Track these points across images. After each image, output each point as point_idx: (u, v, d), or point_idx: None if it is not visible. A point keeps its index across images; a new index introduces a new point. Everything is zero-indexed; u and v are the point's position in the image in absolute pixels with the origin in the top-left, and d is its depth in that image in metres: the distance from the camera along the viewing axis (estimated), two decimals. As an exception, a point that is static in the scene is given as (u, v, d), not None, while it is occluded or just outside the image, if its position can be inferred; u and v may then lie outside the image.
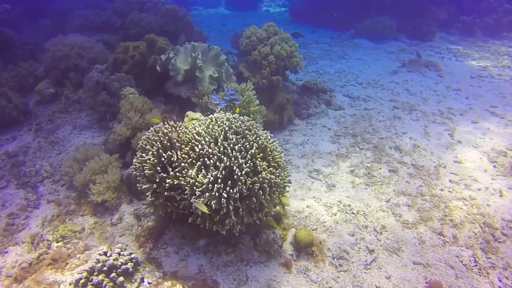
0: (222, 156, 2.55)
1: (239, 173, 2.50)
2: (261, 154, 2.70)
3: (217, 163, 2.54)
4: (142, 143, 2.72)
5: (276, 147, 2.89)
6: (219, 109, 3.39)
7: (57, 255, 3.00)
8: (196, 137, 2.69)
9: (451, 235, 3.46)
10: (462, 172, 4.38)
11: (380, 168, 4.52)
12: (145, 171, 2.62)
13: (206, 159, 2.58)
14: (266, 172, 2.66)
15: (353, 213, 3.79)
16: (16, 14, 11.81)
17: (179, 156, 2.66)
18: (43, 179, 4.22)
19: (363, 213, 3.78)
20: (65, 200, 3.87)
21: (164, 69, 4.88)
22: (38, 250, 3.20)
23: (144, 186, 2.68)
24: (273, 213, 3.48)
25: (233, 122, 2.78)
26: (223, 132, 2.66)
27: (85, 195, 3.76)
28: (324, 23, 11.95)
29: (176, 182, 2.63)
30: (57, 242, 3.22)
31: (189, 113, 3.43)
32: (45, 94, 5.81)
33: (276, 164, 2.77)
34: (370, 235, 3.49)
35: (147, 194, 2.68)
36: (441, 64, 8.03)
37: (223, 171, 2.53)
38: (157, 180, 2.62)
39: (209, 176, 2.52)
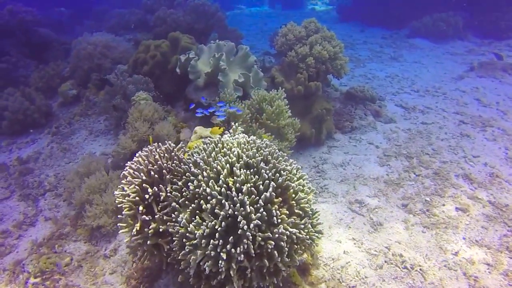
0: (224, 201, 1.81)
1: (245, 227, 1.75)
2: (280, 199, 1.92)
3: (216, 210, 1.81)
4: (125, 171, 2.08)
5: (304, 186, 2.08)
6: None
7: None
8: (192, 169, 1.98)
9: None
10: None
11: (444, 204, 3.48)
12: (124, 211, 1.97)
13: (202, 201, 1.87)
14: (286, 223, 1.88)
15: (406, 267, 2.84)
16: (67, 16, 12.23)
17: (168, 193, 1.98)
18: (45, 192, 3.82)
19: (420, 269, 2.81)
20: (62, 220, 3.41)
21: (184, 71, 4.28)
22: (16, 284, 2.73)
23: (122, 231, 2.03)
24: (297, 263, 2.67)
25: (244, 150, 2.03)
26: (228, 165, 1.93)
27: (82, 216, 3.26)
28: (375, 21, 10.73)
29: (162, 228, 1.95)
30: (35, 278, 2.71)
31: (198, 128, 2.75)
32: (68, 95, 5.54)
33: (301, 212, 1.97)
34: (431, 305, 2.54)
35: (125, 241, 2.03)
36: (522, 69, 6.56)
37: (224, 221, 1.79)
38: (138, 224, 1.96)
39: (204, 226, 1.80)
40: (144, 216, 1.93)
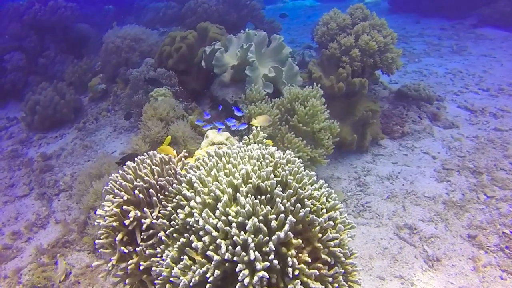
0: (220, 240, 1.30)
1: (247, 280, 1.22)
2: (300, 241, 1.36)
3: (209, 251, 1.31)
4: (107, 186, 1.65)
5: (336, 220, 1.50)
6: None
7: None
8: (185, 190, 1.49)
9: None
10: None
11: (529, 239, 2.66)
12: (99, 239, 1.55)
13: (193, 237, 1.38)
14: (306, 276, 1.32)
15: (475, 325, 2.14)
16: (113, 12, 12.55)
17: (155, 220, 1.52)
18: (59, 192, 3.62)
19: (497, 331, 2.09)
20: (70, 224, 3.15)
21: (210, 65, 3.84)
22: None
23: (95, 263, 1.61)
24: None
25: (256, 168, 1.50)
26: (230, 188, 1.41)
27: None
28: (433, 10, 9.47)
29: (144, 264, 1.50)
30: (26, 294, 2.45)
31: (211, 132, 2.28)
32: (97, 90, 5.42)
33: (329, 258, 1.40)
34: None
35: (100, 276, 1.61)
36: None
37: (218, 269, 1.29)
38: (115, 258, 1.52)
39: (192, 273, 1.31)
40: (122, 247, 1.49)
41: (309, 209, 1.41)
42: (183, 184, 1.53)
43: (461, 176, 3.41)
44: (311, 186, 1.56)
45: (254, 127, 2.38)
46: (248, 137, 2.26)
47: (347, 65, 3.85)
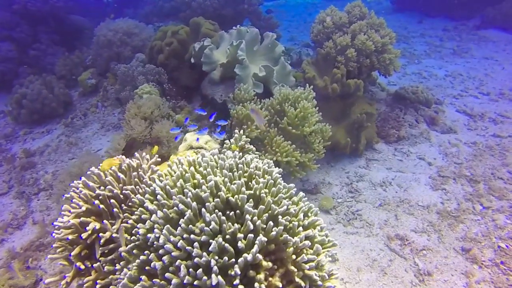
0: (179, 261, 1.17)
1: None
2: (270, 263, 1.23)
3: (168, 273, 1.18)
4: (68, 194, 1.52)
5: (314, 239, 1.37)
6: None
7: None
8: (147, 203, 1.36)
9: None
10: None
11: (526, 255, 2.53)
12: (54, 252, 1.42)
13: (153, 255, 1.24)
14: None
15: None
16: (112, 6, 12.34)
17: (115, 234, 1.38)
18: (39, 191, 3.49)
19: None
20: (49, 225, 3.02)
21: (199, 62, 3.69)
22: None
23: (48, 280, 1.48)
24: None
25: (227, 180, 1.37)
26: (195, 203, 1.27)
27: (67, 225, 2.84)
28: (437, 10, 9.28)
29: (100, 283, 1.36)
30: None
31: (189, 135, 2.14)
32: (87, 85, 5.27)
33: (303, 283, 1.26)
34: None
35: (56, 293, 1.49)
36: None
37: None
38: (70, 275, 1.39)
39: (148, 297, 1.18)
40: (79, 263, 1.36)
41: (282, 227, 1.27)
42: (146, 195, 1.39)
43: (457, 184, 3.28)
44: (288, 200, 1.43)
45: (236, 131, 2.24)
46: (230, 141, 2.12)
47: (342, 65, 3.70)
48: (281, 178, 1.50)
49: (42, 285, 2.44)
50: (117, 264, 1.36)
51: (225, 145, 2.18)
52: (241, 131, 2.23)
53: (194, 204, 1.27)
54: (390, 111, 4.30)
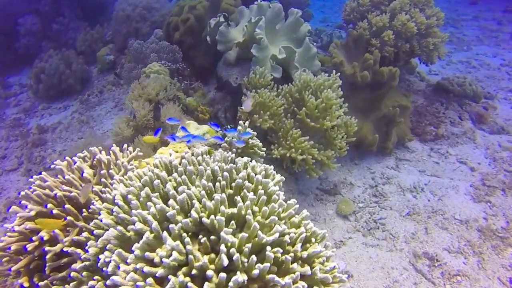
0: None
1: None
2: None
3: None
4: (23, 191, 1.28)
5: (316, 274, 1.03)
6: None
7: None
8: (102, 215, 1.08)
9: None
10: None
11: None
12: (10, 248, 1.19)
13: (100, 284, 0.97)
14: None
15: None
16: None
17: (67, 248, 1.12)
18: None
19: None
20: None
21: (214, 40, 3.34)
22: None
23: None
24: None
25: (204, 193, 1.05)
26: (155, 223, 0.97)
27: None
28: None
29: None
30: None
31: (190, 123, 1.83)
32: (105, 61, 5.10)
33: None
34: None
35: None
36: None
37: None
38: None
39: None
40: (23, 279, 1.12)
41: (269, 264, 0.94)
42: (105, 204, 1.11)
43: (507, 197, 2.76)
44: (285, 223, 1.09)
45: (241, 122, 1.90)
46: (230, 134, 1.80)
47: (376, 49, 3.20)
48: (278, 192, 1.16)
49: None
50: (66, 286, 1.11)
51: (226, 138, 1.87)
52: (246, 123, 1.89)
53: (154, 224, 0.97)
54: (429, 104, 3.75)
